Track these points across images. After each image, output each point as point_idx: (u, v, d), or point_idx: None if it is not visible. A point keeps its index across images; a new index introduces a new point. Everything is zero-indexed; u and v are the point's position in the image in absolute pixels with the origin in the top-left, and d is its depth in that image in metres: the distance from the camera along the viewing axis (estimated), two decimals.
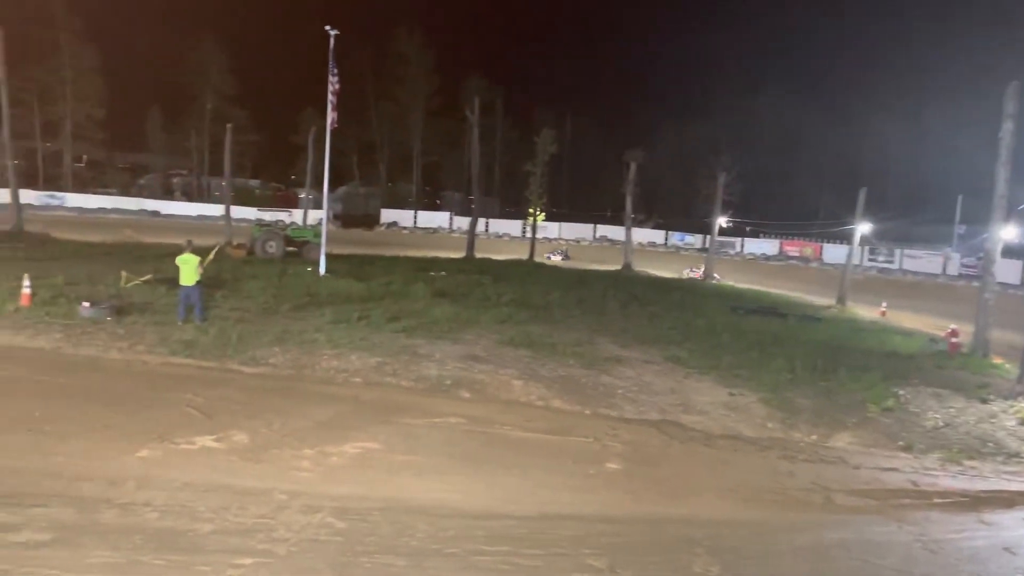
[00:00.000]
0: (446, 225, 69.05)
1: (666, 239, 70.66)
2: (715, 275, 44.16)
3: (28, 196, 45.32)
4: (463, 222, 59.72)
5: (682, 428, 11.26)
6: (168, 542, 6.26)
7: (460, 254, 41.79)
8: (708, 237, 50.85)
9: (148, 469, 7.85)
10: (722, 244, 59.33)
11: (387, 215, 69.13)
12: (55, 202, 57.00)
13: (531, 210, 49.86)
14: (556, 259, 48.65)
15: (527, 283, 27.95)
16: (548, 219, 67.66)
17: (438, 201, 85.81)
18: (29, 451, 8.07)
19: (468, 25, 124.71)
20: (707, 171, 52.16)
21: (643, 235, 66.82)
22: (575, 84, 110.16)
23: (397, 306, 19.07)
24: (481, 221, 55.42)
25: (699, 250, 62.76)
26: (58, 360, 12.32)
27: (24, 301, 15.34)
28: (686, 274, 46.22)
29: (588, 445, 10.00)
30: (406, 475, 8.33)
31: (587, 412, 11.68)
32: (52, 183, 62.99)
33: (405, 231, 65.29)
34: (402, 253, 38.55)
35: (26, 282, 15.74)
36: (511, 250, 50.26)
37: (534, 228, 49.60)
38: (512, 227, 68.00)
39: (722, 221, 49.59)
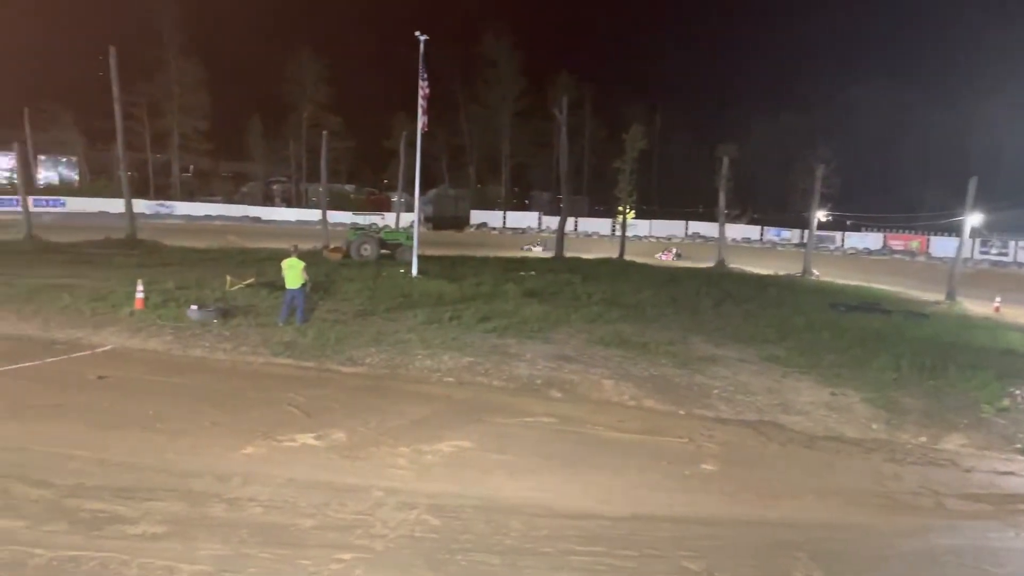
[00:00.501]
0: (535, 225, 69.10)
1: (762, 235, 68.56)
2: (814, 271, 42.65)
3: (140, 205, 47.91)
4: (552, 222, 59.70)
5: (781, 429, 10.93)
6: (273, 536, 6.51)
7: (549, 254, 41.82)
8: (806, 232, 49.12)
9: (253, 465, 8.18)
10: (821, 239, 57.10)
11: (476, 216, 69.78)
12: (165, 210, 59.95)
13: (621, 208, 49.37)
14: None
15: (617, 282, 27.72)
16: (638, 216, 66.86)
17: (527, 201, 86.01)
18: (144, 448, 8.54)
19: (555, 23, 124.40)
20: (804, 164, 50.43)
21: (737, 231, 65.05)
22: (664, 78, 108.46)
23: (487, 306, 19.24)
24: (570, 220, 55.26)
25: (797, 245, 60.67)
26: (169, 361, 13.03)
27: (138, 305, 16.27)
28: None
29: (683, 446, 9.84)
30: (499, 474, 8.39)
31: (681, 412, 11.50)
32: (162, 192, 66.46)
33: (494, 232, 65.75)
34: (492, 254, 38.87)
35: (139, 287, 16.71)
36: (601, 249, 49.97)
37: (624, 226, 49.13)
38: (602, 226, 67.42)
39: (821, 215, 47.78)
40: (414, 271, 25.35)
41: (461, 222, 67.49)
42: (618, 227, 52.34)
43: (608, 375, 13.04)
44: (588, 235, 64.82)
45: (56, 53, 66.24)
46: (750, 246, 61.55)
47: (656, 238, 65.45)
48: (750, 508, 8.02)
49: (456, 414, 10.58)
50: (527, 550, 6.56)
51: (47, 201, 54.42)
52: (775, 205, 70.94)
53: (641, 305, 21.84)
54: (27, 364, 12.14)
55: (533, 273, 29.06)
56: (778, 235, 67.54)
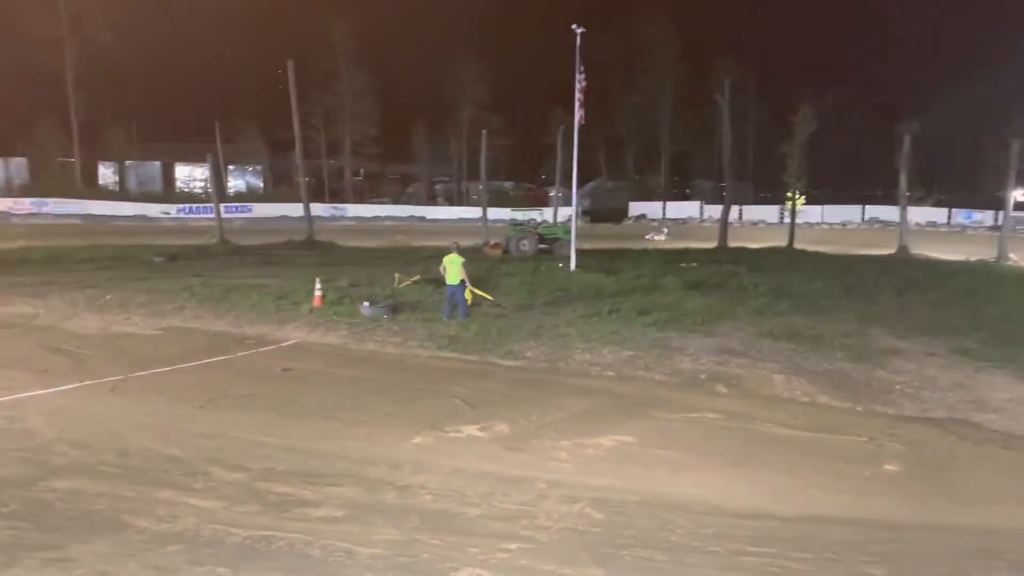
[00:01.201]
0: (696, 215, 67.42)
1: (949, 218, 63.10)
2: (1011, 256, 38.69)
3: (317, 209, 50.98)
4: (714, 211, 57.89)
5: (974, 428, 10.01)
6: (442, 524, 6.73)
7: (712, 244, 40.57)
8: (1000, 213, 44.60)
9: (422, 455, 8.52)
10: (1018, 221, 51.64)
11: (635, 208, 68.98)
12: (338, 213, 63.58)
13: (789, 194, 47.05)
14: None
15: (786, 272, 26.45)
16: (809, 202, 63.42)
17: (687, 191, 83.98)
18: (324, 436, 9.12)
19: (716, 4, 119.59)
20: (997, 138, 45.81)
21: (921, 214, 60.07)
22: (835, 53, 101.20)
23: (647, 299, 18.95)
24: (734, 209, 53.38)
25: (990, 228, 55.31)
26: (344, 354, 13.83)
27: (316, 302, 17.38)
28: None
29: (862, 445, 9.22)
30: (662, 470, 8.24)
31: (859, 409, 10.80)
32: (335, 196, 70.58)
33: (654, 223, 64.71)
34: (651, 246, 38.28)
35: (317, 286, 17.85)
36: (768, 237, 47.81)
37: (793, 213, 46.66)
38: (768, 213, 64.53)
39: (1018, 194, 43.22)
40: (572, 265, 25.40)
41: (619, 214, 66.93)
42: (786, 214, 49.91)
43: (778, 369, 12.48)
44: (754, 223, 62.40)
45: (241, 71, 71.94)
46: (936, 230, 56.85)
47: (829, 224, 61.94)
48: (940, 513, 7.40)
49: (617, 408, 10.51)
50: (694, 548, 6.38)
51: (236, 207, 59.47)
52: (964, 185, 65.06)
53: (813, 296, 20.72)
54: (222, 358, 13.31)
55: (695, 264, 28.32)
56: (968, 218, 61.91)
